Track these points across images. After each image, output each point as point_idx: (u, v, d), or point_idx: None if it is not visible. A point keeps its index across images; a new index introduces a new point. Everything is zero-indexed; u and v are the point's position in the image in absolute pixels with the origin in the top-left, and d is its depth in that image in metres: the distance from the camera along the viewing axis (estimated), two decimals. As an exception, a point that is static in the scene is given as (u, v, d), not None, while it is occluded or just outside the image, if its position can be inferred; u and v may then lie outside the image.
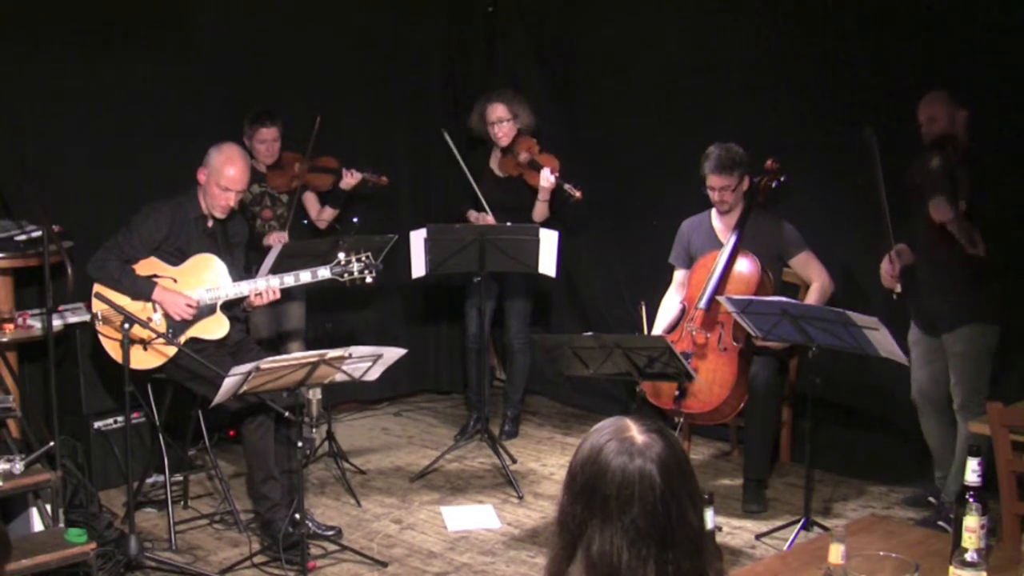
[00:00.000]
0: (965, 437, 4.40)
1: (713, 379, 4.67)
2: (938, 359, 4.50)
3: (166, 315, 4.35)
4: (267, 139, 5.28)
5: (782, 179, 4.87)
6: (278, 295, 4.47)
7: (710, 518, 2.11)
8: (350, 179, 5.45)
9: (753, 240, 4.81)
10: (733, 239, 4.79)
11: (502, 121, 5.52)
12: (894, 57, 4.85)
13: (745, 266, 4.77)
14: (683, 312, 4.91)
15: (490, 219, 5.51)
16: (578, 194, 5.31)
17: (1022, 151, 4.42)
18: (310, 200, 5.58)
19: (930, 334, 4.53)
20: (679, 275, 5.08)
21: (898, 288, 4.46)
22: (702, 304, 4.73)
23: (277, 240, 5.10)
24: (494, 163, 5.68)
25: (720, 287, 4.72)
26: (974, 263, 4.21)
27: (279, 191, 5.39)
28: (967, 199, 4.17)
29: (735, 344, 4.70)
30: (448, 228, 5.17)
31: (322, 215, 5.57)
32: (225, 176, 4.37)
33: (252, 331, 5.12)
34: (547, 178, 5.37)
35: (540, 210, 5.52)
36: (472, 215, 5.65)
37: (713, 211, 4.95)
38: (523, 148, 5.53)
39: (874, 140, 4.38)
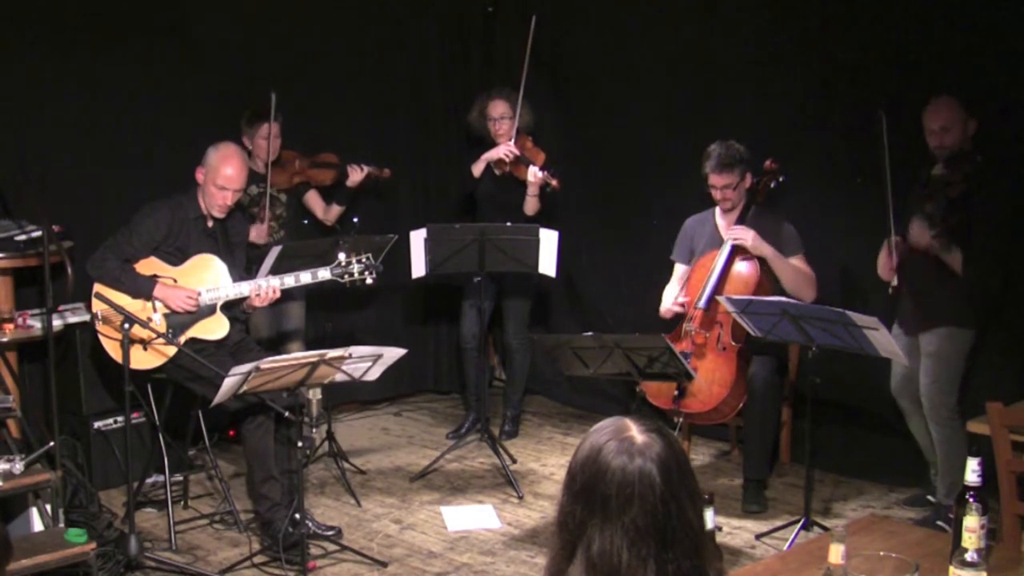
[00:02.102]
0: (940, 441, 4.44)
1: (712, 379, 4.67)
2: (915, 358, 4.50)
3: (166, 314, 4.35)
4: (268, 135, 5.27)
5: (782, 179, 4.86)
6: (278, 295, 4.47)
7: (710, 518, 2.11)
8: (357, 175, 5.45)
9: (754, 239, 4.81)
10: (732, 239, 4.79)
11: (503, 118, 5.53)
12: (894, 57, 4.85)
13: (745, 266, 4.77)
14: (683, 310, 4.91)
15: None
16: (555, 183, 5.34)
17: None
18: (314, 198, 5.58)
19: (908, 333, 4.55)
20: (679, 269, 5.07)
21: (895, 281, 4.45)
22: (701, 304, 4.73)
23: (257, 234, 5.11)
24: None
25: (719, 287, 4.71)
26: (953, 269, 4.25)
27: (280, 188, 5.39)
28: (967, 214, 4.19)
29: (734, 344, 4.70)
30: (448, 228, 5.16)
31: (329, 214, 5.56)
32: (222, 175, 4.37)
33: (252, 331, 5.11)
34: (534, 173, 5.38)
35: (531, 205, 5.53)
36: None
37: (717, 209, 4.94)
38: (516, 144, 5.54)
39: (884, 126, 4.35)
